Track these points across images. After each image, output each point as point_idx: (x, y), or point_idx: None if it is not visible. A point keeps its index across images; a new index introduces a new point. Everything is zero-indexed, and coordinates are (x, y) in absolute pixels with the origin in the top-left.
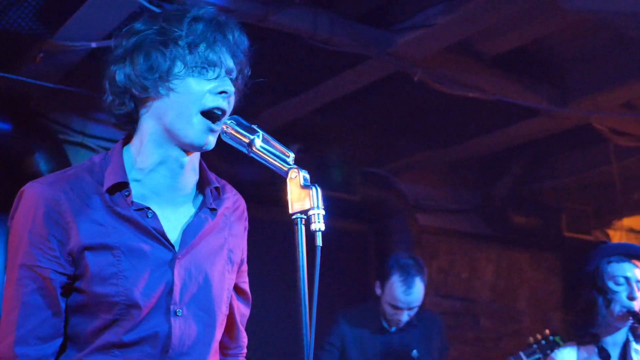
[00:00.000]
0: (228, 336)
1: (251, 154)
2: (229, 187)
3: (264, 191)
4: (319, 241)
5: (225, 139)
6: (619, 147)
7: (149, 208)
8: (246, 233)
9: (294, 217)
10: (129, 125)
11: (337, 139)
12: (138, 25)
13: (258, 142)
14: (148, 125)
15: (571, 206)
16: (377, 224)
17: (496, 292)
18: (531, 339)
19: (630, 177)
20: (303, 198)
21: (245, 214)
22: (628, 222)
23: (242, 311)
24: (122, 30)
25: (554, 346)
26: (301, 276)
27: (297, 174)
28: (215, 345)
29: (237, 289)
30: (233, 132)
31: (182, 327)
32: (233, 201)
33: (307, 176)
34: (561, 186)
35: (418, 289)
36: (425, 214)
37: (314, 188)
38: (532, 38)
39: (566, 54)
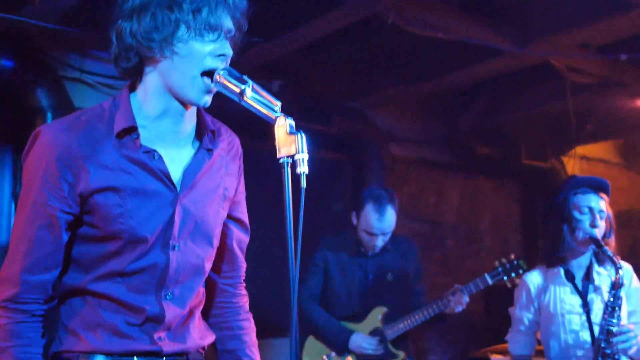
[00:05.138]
0: (226, 262)
1: (242, 103)
2: (224, 128)
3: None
4: (303, 183)
5: (217, 88)
6: (574, 83)
7: (155, 150)
8: (241, 170)
9: (281, 161)
10: (134, 76)
11: (315, 76)
12: None
13: (249, 92)
14: (152, 80)
15: (530, 137)
16: (353, 154)
17: (461, 216)
18: (497, 263)
19: (584, 110)
20: (289, 144)
21: (240, 152)
22: (581, 150)
23: (240, 237)
24: None
25: (517, 269)
26: (287, 215)
27: (284, 121)
28: (204, 275)
29: (233, 218)
30: (225, 82)
31: (178, 260)
32: (228, 142)
33: (293, 123)
34: (521, 119)
35: (390, 215)
36: (397, 145)
37: (299, 134)
38: None
39: None
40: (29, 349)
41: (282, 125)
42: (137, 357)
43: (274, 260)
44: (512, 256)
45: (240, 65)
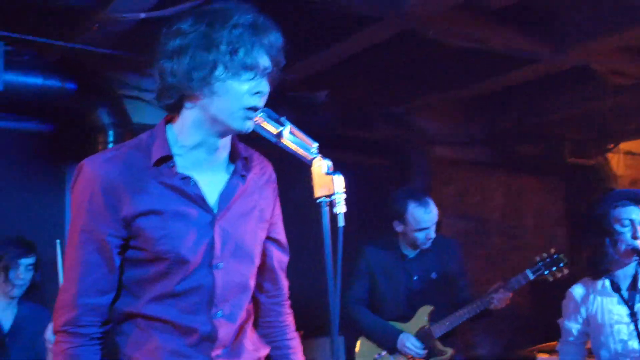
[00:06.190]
0: (269, 282)
1: (279, 144)
2: (256, 155)
3: None
4: (341, 222)
5: (256, 129)
6: (615, 84)
7: (190, 177)
8: (276, 194)
9: (318, 200)
10: (175, 111)
11: (359, 86)
12: (185, 27)
13: (286, 134)
14: (191, 115)
15: (572, 135)
16: (397, 158)
17: (505, 213)
18: (537, 258)
19: (626, 109)
20: (326, 184)
21: (273, 177)
22: (625, 145)
23: (280, 257)
24: (169, 28)
25: (558, 263)
26: (326, 252)
27: (321, 162)
28: (250, 292)
29: (272, 239)
30: (264, 123)
31: (222, 278)
32: (260, 168)
33: (330, 164)
34: (562, 119)
35: (433, 206)
36: (440, 147)
37: (336, 175)
38: None
39: (564, 3)
40: None
41: (319, 166)
42: None
43: (315, 260)
44: (553, 250)
45: (289, 78)
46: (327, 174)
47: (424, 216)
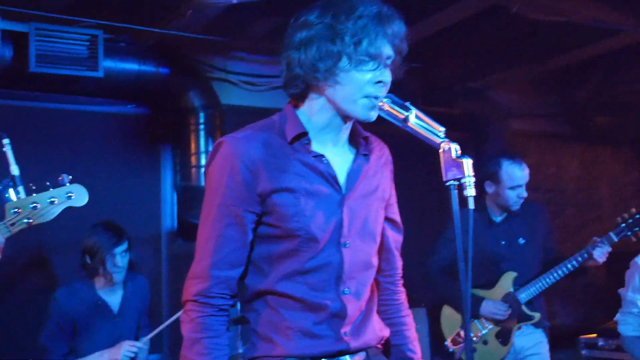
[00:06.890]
0: (385, 261)
1: (406, 128)
2: (374, 137)
3: None
4: (471, 204)
5: (382, 114)
6: None
7: (323, 155)
8: (392, 175)
9: (447, 184)
10: (299, 100)
11: (439, 62)
12: (311, 18)
13: (412, 118)
14: (318, 101)
15: None
16: (475, 132)
17: (580, 184)
18: (619, 219)
19: None
20: (455, 167)
21: (390, 159)
22: None
23: (396, 237)
24: (297, 20)
25: None
26: (457, 234)
27: (449, 145)
28: (374, 270)
29: (389, 219)
30: (389, 109)
31: (349, 256)
32: (379, 149)
33: (459, 148)
34: (638, 89)
35: (525, 164)
36: (516, 120)
37: (465, 159)
38: None
39: None
40: (218, 340)
41: (448, 150)
42: (324, 359)
43: (406, 234)
44: (634, 210)
45: None
46: (457, 157)
47: (518, 172)
